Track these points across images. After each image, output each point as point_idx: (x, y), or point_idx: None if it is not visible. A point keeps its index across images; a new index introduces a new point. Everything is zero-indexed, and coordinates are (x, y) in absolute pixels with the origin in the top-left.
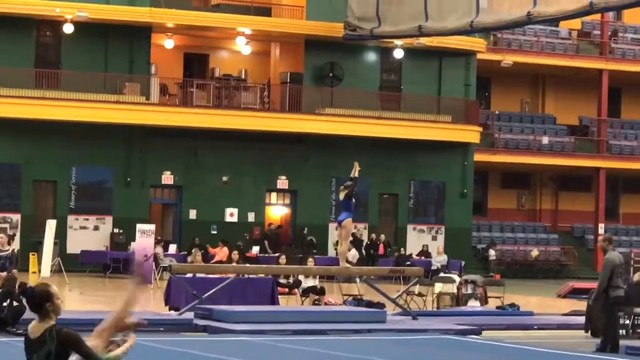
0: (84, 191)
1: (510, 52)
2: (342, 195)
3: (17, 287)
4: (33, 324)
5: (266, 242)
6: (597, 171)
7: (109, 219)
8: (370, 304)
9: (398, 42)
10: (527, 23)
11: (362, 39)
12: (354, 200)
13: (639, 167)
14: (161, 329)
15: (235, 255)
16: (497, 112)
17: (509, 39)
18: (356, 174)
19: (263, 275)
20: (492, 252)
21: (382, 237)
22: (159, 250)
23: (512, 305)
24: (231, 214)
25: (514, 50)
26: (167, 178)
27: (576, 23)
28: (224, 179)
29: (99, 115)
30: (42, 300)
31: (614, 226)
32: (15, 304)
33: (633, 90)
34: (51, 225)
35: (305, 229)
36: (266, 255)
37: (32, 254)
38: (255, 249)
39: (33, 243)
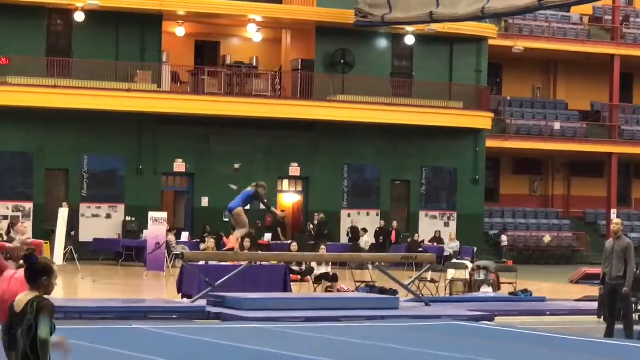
0: (96, 179)
1: (521, 37)
2: (250, 188)
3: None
4: (19, 297)
5: (279, 229)
6: (609, 157)
7: (121, 207)
8: (382, 291)
9: (409, 28)
10: (538, 9)
11: (373, 25)
12: (253, 202)
13: None
14: (174, 316)
15: (247, 242)
16: (508, 98)
17: (520, 24)
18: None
19: (275, 262)
20: (504, 238)
21: (394, 223)
22: (172, 237)
23: (525, 291)
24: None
25: (526, 36)
26: (179, 166)
27: (587, 8)
28: (236, 166)
29: (111, 103)
30: (42, 271)
31: (626, 212)
32: None
33: None
34: (63, 213)
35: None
36: (278, 242)
37: (45, 242)
38: (268, 236)
39: (45, 231)
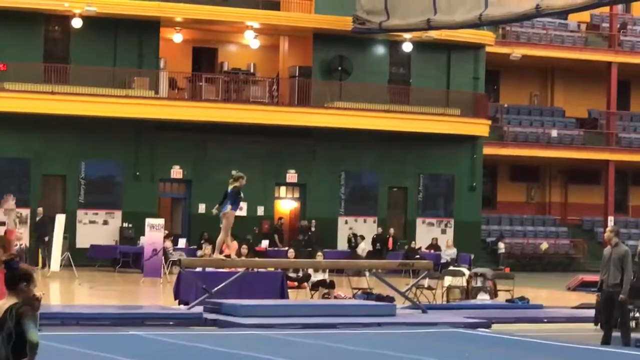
0: (93, 185)
1: (519, 45)
2: (230, 187)
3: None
4: None
5: (276, 236)
6: (606, 164)
7: (118, 214)
8: (379, 298)
9: (407, 35)
10: (536, 16)
11: (371, 32)
12: (242, 195)
13: None
14: (171, 323)
15: (244, 249)
16: (506, 105)
17: (518, 31)
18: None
19: (272, 269)
20: (501, 245)
21: (392, 230)
22: (169, 244)
23: (522, 298)
24: (240, 208)
25: (523, 43)
26: (176, 172)
27: (585, 15)
28: (233, 172)
29: (108, 110)
30: (21, 277)
31: (623, 219)
32: None
33: None
34: (60, 219)
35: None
36: (275, 249)
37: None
38: (265, 243)
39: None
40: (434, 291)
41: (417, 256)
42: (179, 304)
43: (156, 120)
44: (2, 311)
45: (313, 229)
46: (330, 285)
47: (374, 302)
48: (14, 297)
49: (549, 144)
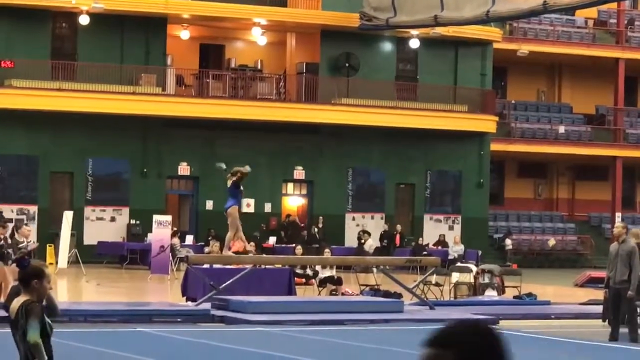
0: (101, 182)
1: (526, 41)
2: (229, 182)
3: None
4: (13, 304)
5: (283, 233)
6: (613, 160)
7: (125, 210)
8: (387, 294)
9: (414, 32)
10: (543, 12)
11: (378, 29)
12: (242, 188)
13: None
14: (178, 319)
15: (252, 246)
16: (513, 102)
17: (525, 28)
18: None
19: (280, 265)
20: (508, 242)
21: (399, 227)
22: (176, 241)
23: (529, 294)
24: (248, 205)
25: (530, 39)
26: (184, 169)
27: (592, 12)
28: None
29: (115, 107)
30: (32, 275)
31: (630, 215)
32: None
33: None
34: (68, 216)
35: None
36: (283, 245)
37: (49, 246)
38: (272, 240)
39: (50, 235)
40: (441, 287)
41: (425, 252)
42: (187, 300)
43: (163, 117)
44: (15, 310)
45: (320, 225)
46: (338, 281)
47: (381, 299)
48: (28, 295)
49: (556, 140)
